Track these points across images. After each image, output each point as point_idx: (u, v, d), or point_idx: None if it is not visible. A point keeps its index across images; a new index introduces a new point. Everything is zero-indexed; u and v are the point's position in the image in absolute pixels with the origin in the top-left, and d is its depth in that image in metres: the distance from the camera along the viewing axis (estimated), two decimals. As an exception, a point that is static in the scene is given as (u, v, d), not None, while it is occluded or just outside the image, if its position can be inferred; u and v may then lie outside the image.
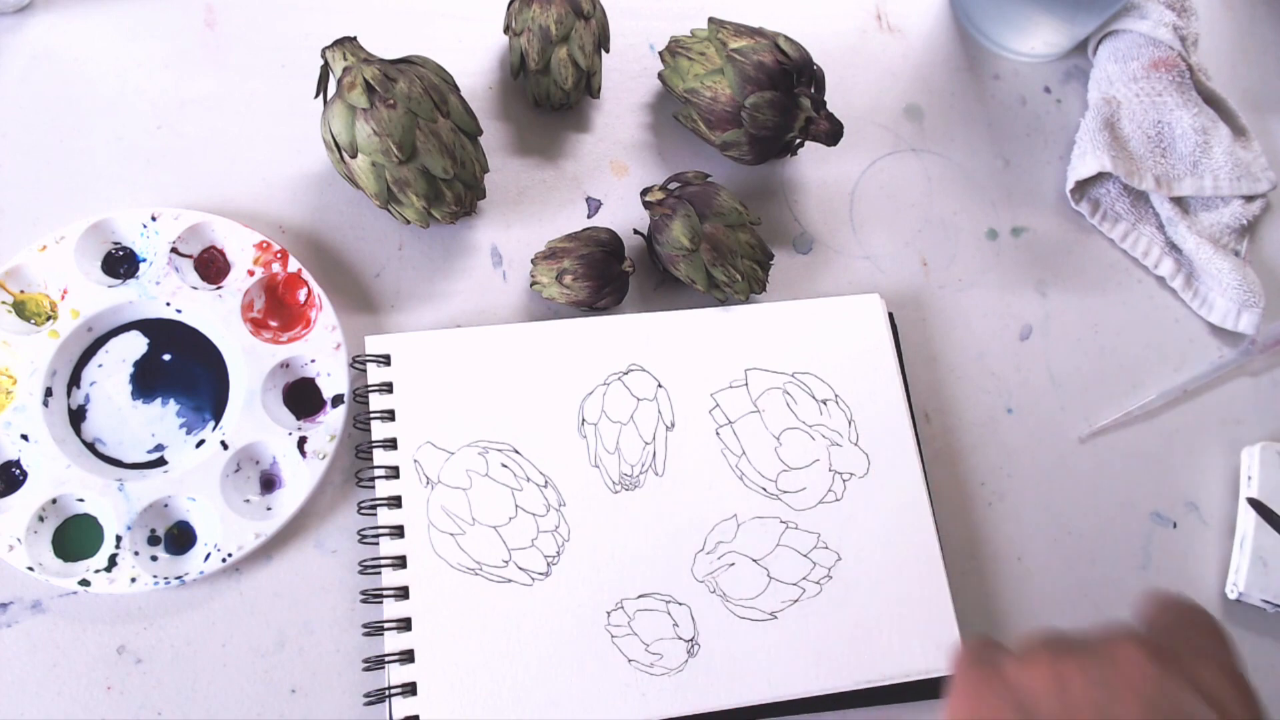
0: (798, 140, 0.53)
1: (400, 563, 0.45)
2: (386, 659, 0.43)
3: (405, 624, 0.44)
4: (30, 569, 0.43)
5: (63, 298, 0.47)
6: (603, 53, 0.55)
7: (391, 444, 0.47)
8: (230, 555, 0.44)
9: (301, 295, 0.49)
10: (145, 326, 0.48)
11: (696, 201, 0.49)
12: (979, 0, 0.62)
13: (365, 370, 0.48)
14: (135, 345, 0.48)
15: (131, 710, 0.43)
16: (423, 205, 0.47)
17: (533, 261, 0.51)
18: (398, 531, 0.45)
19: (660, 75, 0.55)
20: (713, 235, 0.49)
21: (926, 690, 0.47)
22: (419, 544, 0.45)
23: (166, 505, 0.45)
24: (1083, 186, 0.60)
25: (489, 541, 0.46)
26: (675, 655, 0.45)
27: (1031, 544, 0.53)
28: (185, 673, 0.44)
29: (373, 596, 0.44)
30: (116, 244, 0.49)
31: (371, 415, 0.47)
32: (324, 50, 0.47)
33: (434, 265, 0.52)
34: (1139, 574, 0.53)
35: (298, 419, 0.48)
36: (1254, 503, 0.44)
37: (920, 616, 0.48)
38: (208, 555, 0.44)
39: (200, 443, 0.47)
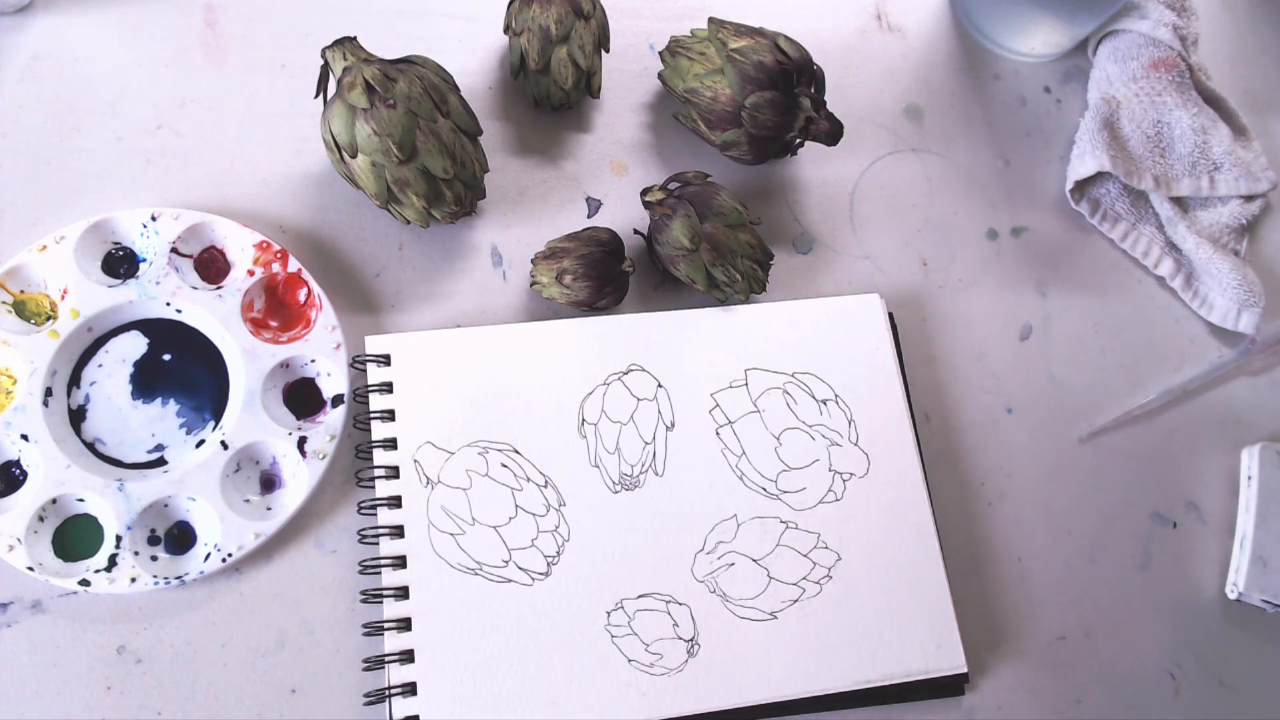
0: (798, 140, 0.53)
1: (400, 563, 0.45)
2: (386, 659, 0.43)
3: (405, 624, 0.44)
4: (30, 569, 0.43)
5: (63, 298, 0.47)
6: (603, 53, 0.55)
7: (391, 444, 0.47)
8: (230, 555, 0.44)
9: (301, 295, 0.49)
10: (145, 326, 0.48)
11: (696, 201, 0.49)
12: (979, 0, 0.62)
13: (365, 370, 0.48)
14: (135, 345, 0.48)
15: (131, 710, 0.43)
16: (423, 205, 0.47)
17: (533, 261, 0.51)
18: (398, 531, 0.45)
19: (660, 75, 0.55)
20: (713, 235, 0.49)
21: (926, 690, 0.47)
22: (419, 544, 0.45)
23: (166, 505, 0.45)
24: (1082, 186, 0.60)
25: (489, 541, 0.46)
26: (675, 655, 0.45)
27: (1031, 544, 0.53)
28: (185, 673, 0.44)
29: (373, 596, 0.44)
30: (116, 244, 0.49)
31: (371, 415, 0.47)
32: (324, 50, 0.47)
33: (434, 265, 0.52)
34: (1139, 574, 0.53)
35: (298, 419, 0.48)
36: None
37: (920, 616, 0.48)
38: (208, 555, 0.44)
39: (200, 443, 0.47)
